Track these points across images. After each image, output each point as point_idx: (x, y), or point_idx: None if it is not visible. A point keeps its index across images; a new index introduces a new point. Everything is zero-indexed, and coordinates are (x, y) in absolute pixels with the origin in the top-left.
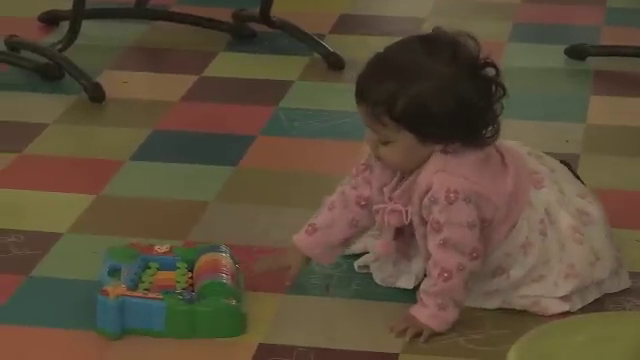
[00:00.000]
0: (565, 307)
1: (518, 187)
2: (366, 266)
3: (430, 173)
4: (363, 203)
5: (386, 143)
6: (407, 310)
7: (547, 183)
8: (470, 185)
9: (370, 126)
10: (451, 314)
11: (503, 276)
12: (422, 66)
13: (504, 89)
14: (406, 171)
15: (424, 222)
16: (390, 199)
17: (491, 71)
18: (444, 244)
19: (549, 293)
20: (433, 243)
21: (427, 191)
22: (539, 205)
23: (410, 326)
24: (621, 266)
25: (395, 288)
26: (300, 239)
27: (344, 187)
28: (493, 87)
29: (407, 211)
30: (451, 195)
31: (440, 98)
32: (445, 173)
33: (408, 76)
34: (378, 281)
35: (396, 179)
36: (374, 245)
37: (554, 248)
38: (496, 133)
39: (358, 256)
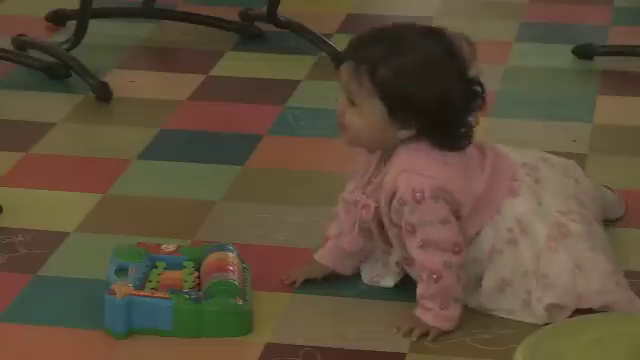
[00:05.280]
0: (545, 318)
1: (490, 191)
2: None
3: (394, 173)
4: None
5: (354, 104)
6: (412, 310)
7: (524, 192)
8: (433, 182)
9: (347, 84)
10: (454, 311)
11: (478, 289)
12: (414, 42)
13: (484, 100)
14: (369, 150)
15: (394, 224)
16: (363, 193)
17: (477, 87)
18: (423, 245)
19: (525, 312)
20: (413, 246)
21: (393, 193)
22: (509, 213)
23: (417, 326)
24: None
25: (402, 288)
26: (317, 253)
27: (343, 194)
28: (476, 93)
29: (376, 207)
30: (417, 195)
31: (422, 77)
32: (408, 173)
33: (398, 46)
34: (366, 281)
35: (369, 173)
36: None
37: (528, 259)
38: (467, 141)
39: None
